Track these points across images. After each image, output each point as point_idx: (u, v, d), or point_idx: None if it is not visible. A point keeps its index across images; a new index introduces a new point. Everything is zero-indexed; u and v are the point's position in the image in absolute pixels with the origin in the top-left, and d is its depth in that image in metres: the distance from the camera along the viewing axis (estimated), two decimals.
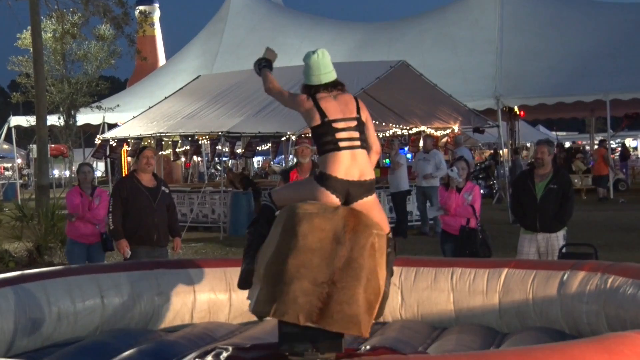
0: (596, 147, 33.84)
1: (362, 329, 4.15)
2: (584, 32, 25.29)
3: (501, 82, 22.78)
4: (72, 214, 9.00)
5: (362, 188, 4.57)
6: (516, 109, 23.51)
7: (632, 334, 4.15)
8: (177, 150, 20.20)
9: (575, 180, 23.26)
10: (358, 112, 4.72)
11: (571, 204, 8.02)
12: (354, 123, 4.66)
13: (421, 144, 18.35)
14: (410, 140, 22.89)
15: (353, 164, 4.57)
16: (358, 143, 4.63)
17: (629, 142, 45.81)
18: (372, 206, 4.64)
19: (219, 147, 18.13)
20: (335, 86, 4.74)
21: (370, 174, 4.63)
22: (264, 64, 5.03)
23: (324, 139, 4.60)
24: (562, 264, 6.53)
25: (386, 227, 4.69)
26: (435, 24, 27.59)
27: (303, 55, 4.78)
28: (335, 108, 4.65)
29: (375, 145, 4.82)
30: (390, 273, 4.69)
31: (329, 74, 4.72)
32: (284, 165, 26.38)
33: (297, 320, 4.01)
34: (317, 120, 4.62)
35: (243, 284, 4.78)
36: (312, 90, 4.70)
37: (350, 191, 4.54)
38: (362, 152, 4.63)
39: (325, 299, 4.00)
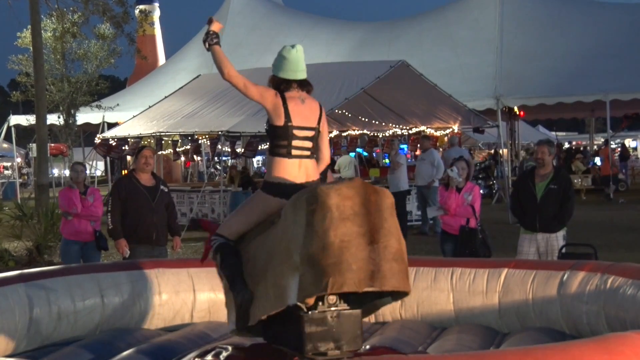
0: (595, 147, 33.97)
1: (409, 284, 4.19)
2: (584, 32, 25.26)
3: (501, 82, 22.75)
4: (69, 211, 8.93)
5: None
6: (516, 109, 23.49)
7: (632, 334, 4.15)
8: (177, 149, 20.21)
9: (575, 181, 23.26)
10: (319, 122, 4.71)
11: (571, 205, 8.02)
12: (311, 133, 4.64)
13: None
14: (410, 140, 22.89)
15: (299, 172, 4.56)
16: (308, 153, 4.63)
17: (629, 143, 45.85)
18: None
19: (218, 146, 18.12)
20: (306, 85, 4.70)
21: (315, 177, 4.64)
22: (215, 41, 4.52)
23: (279, 141, 4.56)
24: (561, 264, 6.52)
25: None
26: (435, 23, 27.56)
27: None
28: (300, 113, 4.60)
29: (327, 157, 4.82)
30: None
31: (303, 72, 4.68)
32: None
33: (357, 287, 3.98)
34: (281, 121, 4.55)
35: (245, 319, 4.50)
36: (282, 85, 4.62)
37: None
38: (310, 162, 4.64)
39: (375, 260, 4.02)
